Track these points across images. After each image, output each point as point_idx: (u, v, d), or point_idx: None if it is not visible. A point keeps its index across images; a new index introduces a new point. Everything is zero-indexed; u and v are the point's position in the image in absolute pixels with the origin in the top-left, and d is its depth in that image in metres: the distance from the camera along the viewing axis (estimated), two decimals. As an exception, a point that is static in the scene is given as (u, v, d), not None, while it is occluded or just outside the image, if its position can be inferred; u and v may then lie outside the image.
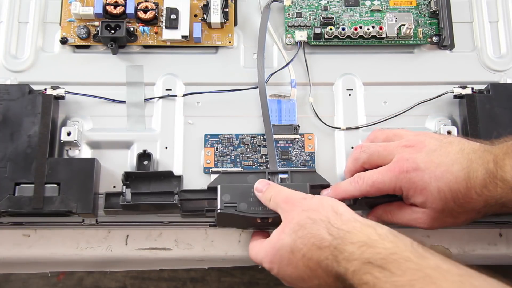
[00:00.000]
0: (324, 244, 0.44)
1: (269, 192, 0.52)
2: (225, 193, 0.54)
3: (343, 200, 0.53)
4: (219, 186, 0.54)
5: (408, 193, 0.50)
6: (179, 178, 0.57)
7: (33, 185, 0.54)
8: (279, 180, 0.56)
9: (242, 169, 0.59)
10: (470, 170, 0.47)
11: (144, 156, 0.58)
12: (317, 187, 0.55)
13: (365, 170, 0.54)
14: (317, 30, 0.63)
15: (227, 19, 0.64)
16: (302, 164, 0.60)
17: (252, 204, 0.53)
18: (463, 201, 0.48)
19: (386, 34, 0.63)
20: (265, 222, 0.53)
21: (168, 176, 0.56)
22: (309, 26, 0.64)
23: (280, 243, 0.48)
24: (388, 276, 0.40)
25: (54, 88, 0.60)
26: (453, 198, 0.48)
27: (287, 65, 0.63)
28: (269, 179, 0.56)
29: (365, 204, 0.56)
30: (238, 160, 0.60)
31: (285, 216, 0.49)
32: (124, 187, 0.56)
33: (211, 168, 0.59)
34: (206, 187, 0.56)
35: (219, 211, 0.53)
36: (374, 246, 0.42)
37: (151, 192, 0.55)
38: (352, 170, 0.55)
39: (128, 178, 0.56)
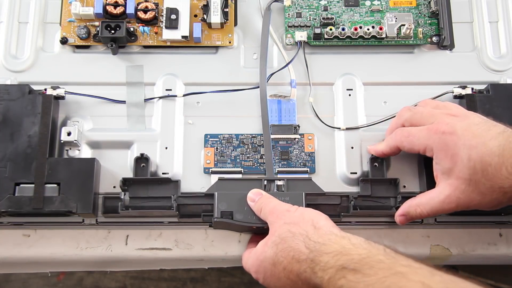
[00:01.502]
0: (302, 257, 0.46)
1: (260, 202, 0.53)
2: (221, 201, 0.54)
3: (381, 154, 0.56)
4: (216, 194, 0.54)
5: (438, 155, 0.51)
6: (176, 182, 0.57)
7: (33, 185, 0.54)
8: (275, 187, 0.57)
9: (240, 171, 0.59)
10: (506, 148, 0.47)
11: (142, 159, 0.58)
12: (313, 195, 0.56)
13: None
14: (317, 30, 0.63)
15: (227, 19, 0.64)
16: (302, 164, 0.60)
17: (248, 213, 0.54)
18: (491, 176, 0.47)
19: (386, 34, 0.63)
20: (260, 229, 0.54)
21: (166, 181, 0.57)
22: (309, 26, 0.64)
23: (263, 255, 0.49)
24: (361, 277, 0.41)
25: (54, 88, 0.60)
26: (482, 170, 0.48)
27: (287, 65, 0.63)
28: (265, 186, 0.56)
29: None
30: (238, 160, 0.60)
31: (270, 227, 0.51)
32: (123, 193, 0.56)
33: (211, 168, 0.59)
34: (203, 192, 0.57)
35: (215, 219, 0.54)
36: (348, 254, 0.43)
37: (149, 196, 0.56)
38: (394, 127, 0.56)
39: (126, 183, 0.56)
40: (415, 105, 0.59)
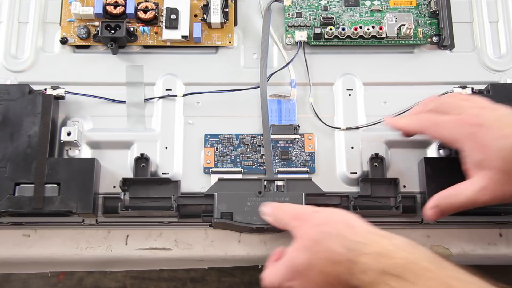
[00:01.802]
0: (339, 258, 0.43)
1: (275, 214, 0.51)
2: (221, 202, 0.54)
3: (400, 128, 0.54)
4: (215, 194, 0.54)
5: (467, 147, 0.48)
6: (176, 183, 0.57)
7: (33, 185, 0.54)
8: (275, 187, 0.57)
9: (240, 171, 0.59)
10: None
11: (142, 159, 0.58)
12: (313, 195, 0.56)
13: None
14: (317, 30, 0.63)
15: (227, 19, 0.64)
16: (302, 164, 0.60)
17: (248, 213, 0.54)
18: None
19: (386, 34, 0.63)
20: (260, 229, 0.54)
21: (166, 181, 0.57)
22: (309, 26, 0.64)
23: (295, 262, 0.46)
24: (406, 286, 0.39)
25: (54, 88, 0.60)
26: None
27: (287, 65, 0.63)
28: (265, 186, 0.56)
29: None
30: (238, 160, 0.60)
31: (296, 232, 0.47)
32: (123, 193, 0.56)
33: (211, 168, 0.59)
34: (203, 192, 0.57)
35: (215, 220, 0.54)
36: (389, 256, 0.41)
37: (149, 197, 0.56)
38: (417, 113, 0.54)
39: (126, 183, 0.56)
40: (444, 94, 0.58)
